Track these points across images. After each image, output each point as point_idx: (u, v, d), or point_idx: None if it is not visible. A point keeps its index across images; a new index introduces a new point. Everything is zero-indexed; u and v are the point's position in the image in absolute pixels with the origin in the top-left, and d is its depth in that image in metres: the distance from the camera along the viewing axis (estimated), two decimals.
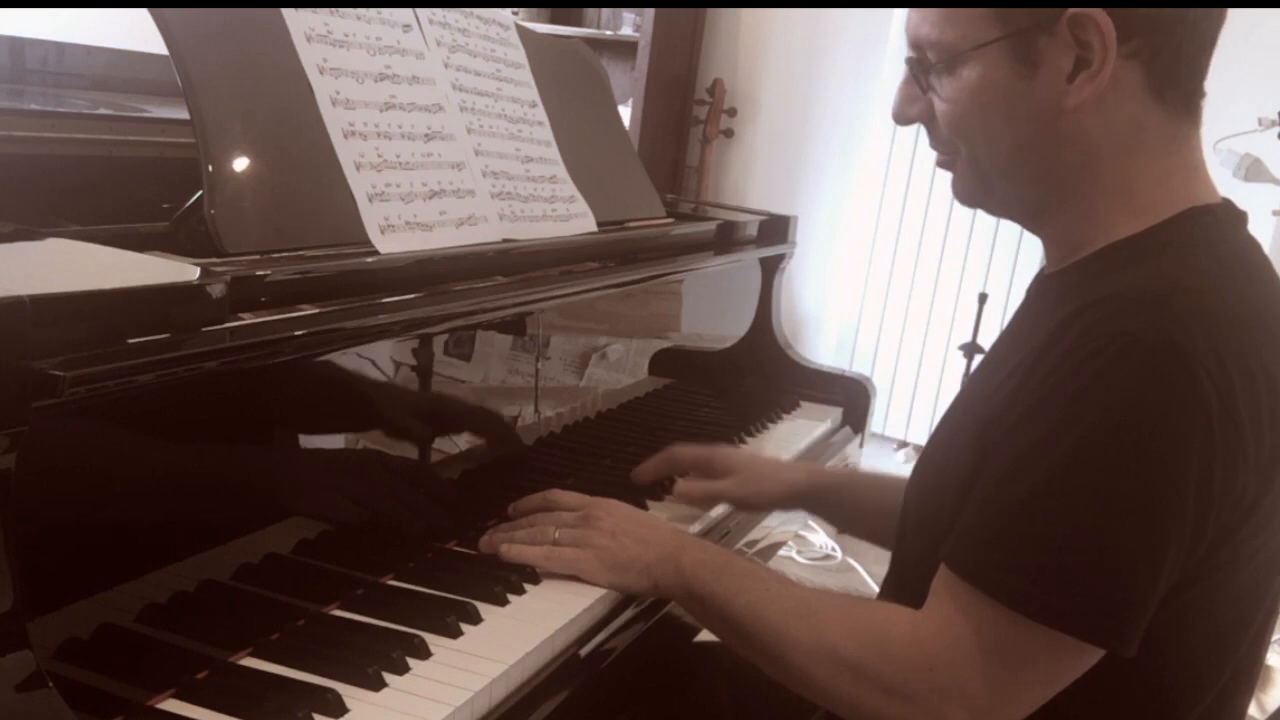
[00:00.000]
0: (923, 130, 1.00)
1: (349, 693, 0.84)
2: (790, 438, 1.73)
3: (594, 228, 1.43)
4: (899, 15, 3.46)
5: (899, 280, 3.62)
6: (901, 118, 1.00)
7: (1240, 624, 0.92)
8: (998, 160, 0.94)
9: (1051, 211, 0.96)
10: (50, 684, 0.69)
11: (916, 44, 0.95)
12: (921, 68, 0.95)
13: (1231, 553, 0.86)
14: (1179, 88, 0.91)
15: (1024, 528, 0.84)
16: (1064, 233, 0.97)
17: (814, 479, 1.39)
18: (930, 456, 1.05)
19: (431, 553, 1.11)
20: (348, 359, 1.01)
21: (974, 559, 0.87)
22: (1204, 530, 0.83)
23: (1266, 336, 0.86)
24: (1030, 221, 1.00)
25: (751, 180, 3.93)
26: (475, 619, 0.98)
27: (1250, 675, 0.96)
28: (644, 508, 1.29)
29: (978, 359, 3.16)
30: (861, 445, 1.94)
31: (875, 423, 2.50)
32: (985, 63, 0.90)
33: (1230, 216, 0.94)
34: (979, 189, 0.98)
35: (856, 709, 0.92)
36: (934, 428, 1.06)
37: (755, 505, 1.39)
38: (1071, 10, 0.86)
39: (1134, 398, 0.81)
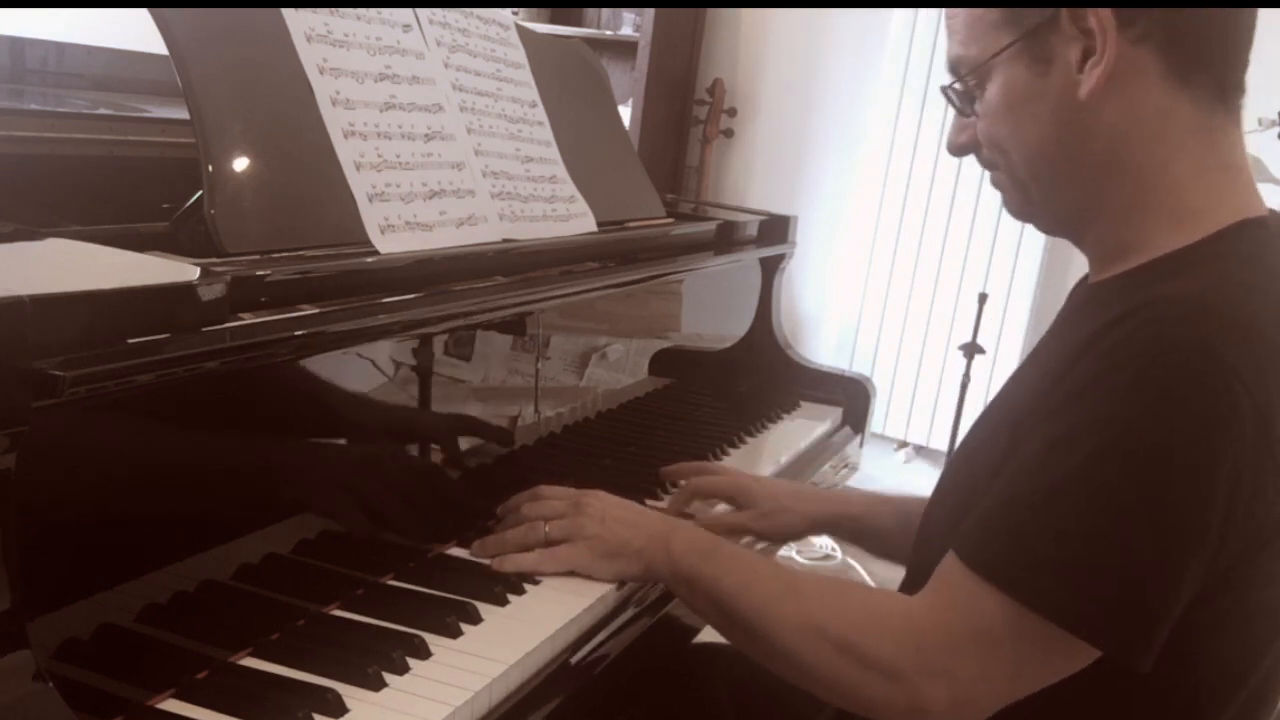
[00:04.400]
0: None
1: (349, 693, 0.84)
2: (790, 438, 1.73)
3: (594, 228, 1.43)
4: (899, 15, 3.46)
5: (899, 280, 3.62)
6: (954, 147, 1.03)
7: (1263, 639, 0.90)
8: (1030, 163, 0.95)
9: (1092, 216, 0.96)
10: (50, 684, 0.69)
11: (955, 69, 0.99)
12: (961, 92, 0.99)
13: (1259, 569, 0.85)
14: (1207, 72, 0.91)
15: (1041, 521, 0.83)
16: (1107, 238, 0.96)
17: (833, 509, 1.36)
18: (960, 461, 1.04)
19: (431, 552, 1.11)
20: (348, 359, 1.01)
21: (985, 547, 0.86)
22: (1224, 546, 0.82)
23: None
24: (1075, 229, 0.99)
25: (751, 180, 3.93)
26: (475, 619, 0.99)
27: (1274, 690, 0.94)
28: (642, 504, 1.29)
29: (978, 359, 3.16)
30: (861, 445, 1.94)
31: (875, 423, 2.50)
32: (1006, 69, 0.93)
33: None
34: (1022, 200, 0.99)
35: (840, 688, 0.92)
36: (964, 435, 1.06)
37: (777, 538, 1.38)
38: None
39: (1169, 405, 0.80)
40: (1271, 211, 0.94)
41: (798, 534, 1.38)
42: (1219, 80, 0.91)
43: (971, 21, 0.95)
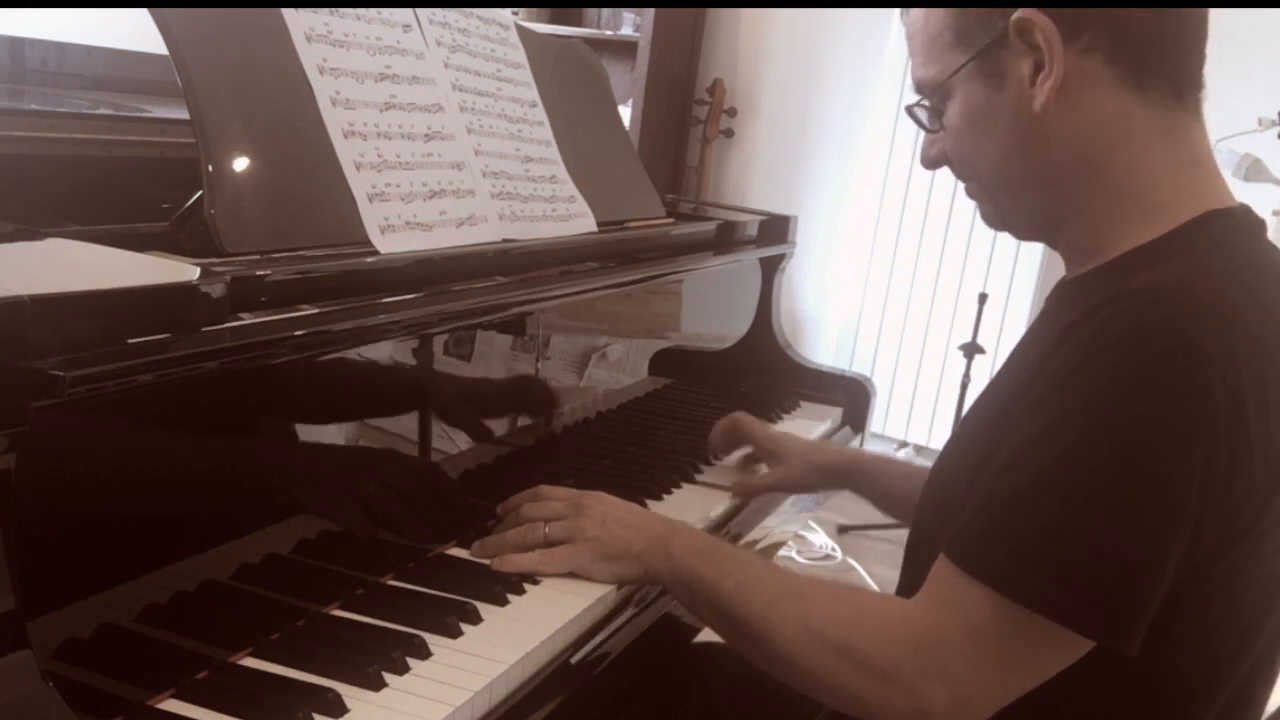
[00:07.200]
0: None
1: (349, 693, 0.84)
2: None
3: (594, 228, 1.43)
4: (899, 15, 3.46)
5: (899, 280, 3.62)
6: (927, 161, 1.05)
7: (1250, 628, 0.91)
8: (996, 175, 0.98)
9: (1065, 219, 0.98)
10: (50, 684, 0.69)
11: (919, 90, 1.01)
12: (928, 109, 1.01)
13: (1244, 552, 0.86)
14: (1158, 74, 0.92)
15: (1024, 516, 0.85)
16: (1080, 238, 0.98)
17: (845, 462, 1.47)
18: (944, 463, 1.05)
19: (431, 552, 1.11)
20: (347, 359, 1.01)
21: (971, 546, 0.87)
22: (1204, 529, 0.83)
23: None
24: (1048, 233, 1.02)
25: (751, 180, 3.93)
26: (475, 619, 0.99)
27: (1269, 672, 0.95)
28: (643, 506, 1.29)
29: (978, 359, 3.17)
30: (862, 445, 1.94)
31: (875, 423, 2.51)
32: (963, 88, 0.96)
33: (1249, 222, 0.95)
34: (995, 209, 1.02)
35: (839, 691, 0.92)
36: (949, 437, 1.07)
37: (798, 491, 1.51)
38: (1014, 17, 0.90)
39: (1142, 392, 0.81)
40: (1241, 205, 0.96)
41: (815, 488, 1.49)
42: (1172, 80, 0.93)
43: (928, 44, 0.98)
